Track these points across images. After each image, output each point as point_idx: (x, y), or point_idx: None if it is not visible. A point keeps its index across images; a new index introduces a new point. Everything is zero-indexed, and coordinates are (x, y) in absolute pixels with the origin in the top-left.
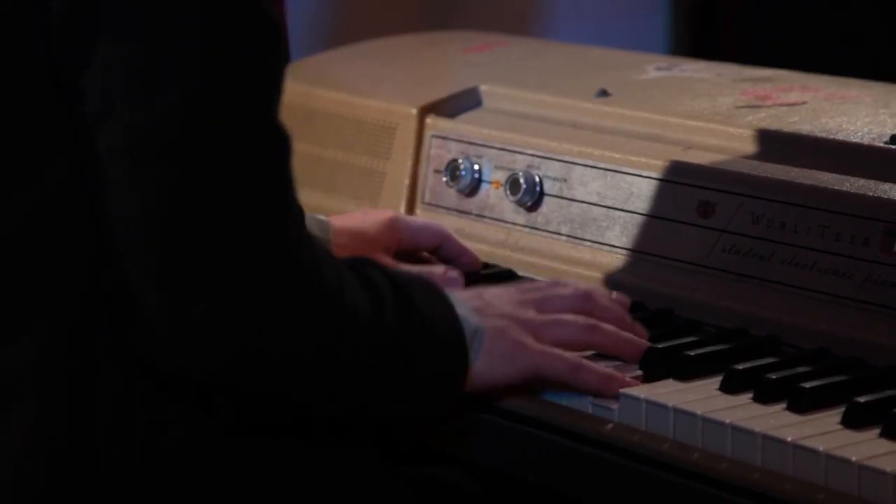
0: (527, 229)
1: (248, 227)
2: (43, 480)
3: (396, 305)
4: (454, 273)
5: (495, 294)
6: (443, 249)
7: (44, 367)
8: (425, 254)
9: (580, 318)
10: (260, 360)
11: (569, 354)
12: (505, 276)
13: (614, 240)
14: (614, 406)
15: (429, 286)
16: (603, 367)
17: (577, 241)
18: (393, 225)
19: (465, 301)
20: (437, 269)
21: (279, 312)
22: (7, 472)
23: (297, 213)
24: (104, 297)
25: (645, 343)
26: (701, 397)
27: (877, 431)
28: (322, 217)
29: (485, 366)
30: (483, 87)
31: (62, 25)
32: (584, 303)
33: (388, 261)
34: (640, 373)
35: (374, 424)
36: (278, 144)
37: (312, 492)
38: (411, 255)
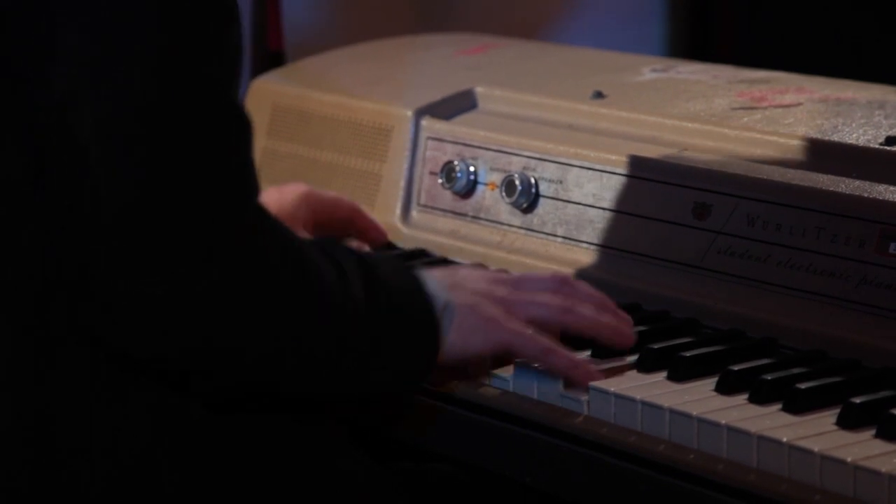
0: (522, 231)
1: (210, 209)
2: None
3: (364, 282)
4: (365, 248)
5: (468, 273)
6: (353, 222)
7: (4, 351)
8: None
9: (555, 299)
10: (222, 344)
11: (541, 336)
12: (417, 254)
13: (610, 241)
14: (610, 407)
15: (394, 262)
16: (574, 355)
17: (573, 242)
18: (307, 199)
19: (436, 278)
20: (352, 244)
21: (241, 293)
22: None
23: (257, 193)
24: (65, 283)
25: (624, 327)
26: (697, 398)
27: (872, 432)
28: None
29: (456, 339)
30: (478, 89)
31: (14, 14)
32: (560, 286)
33: (304, 234)
34: (611, 365)
35: (348, 401)
36: (238, 126)
37: (297, 486)
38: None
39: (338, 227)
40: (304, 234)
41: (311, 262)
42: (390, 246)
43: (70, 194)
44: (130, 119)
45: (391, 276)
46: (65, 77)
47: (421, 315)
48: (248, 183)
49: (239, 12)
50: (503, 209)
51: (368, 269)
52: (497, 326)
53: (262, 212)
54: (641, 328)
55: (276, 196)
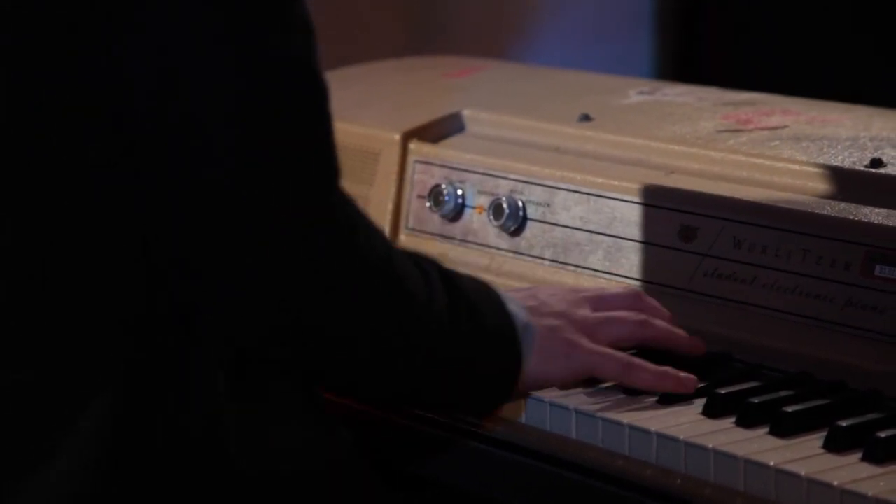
0: (510, 254)
1: (304, 182)
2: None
3: (448, 292)
4: None
5: (550, 293)
6: None
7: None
8: None
9: (632, 314)
10: (309, 323)
11: (621, 354)
12: None
13: (597, 264)
14: (598, 431)
15: (477, 279)
16: (658, 367)
17: (561, 265)
18: None
19: (517, 299)
20: None
21: (330, 267)
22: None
23: (340, 172)
24: (159, 267)
25: (697, 339)
26: (683, 422)
27: (858, 455)
28: None
29: (537, 364)
30: (466, 112)
31: (96, 6)
32: (635, 302)
33: None
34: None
35: (421, 409)
36: (324, 96)
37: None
38: None
39: None
40: None
41: (398, 254)
42: None
43: (163, 177)
44: (226, 100)
45: (473, 290)
46: (158, 60)
47: (503, 331)
48: (336, 161)
49: None
50: (491, 232)
51: (452, 281)
52: (577, 350)
53: (346, 194)
54: (630, 353)
55: None
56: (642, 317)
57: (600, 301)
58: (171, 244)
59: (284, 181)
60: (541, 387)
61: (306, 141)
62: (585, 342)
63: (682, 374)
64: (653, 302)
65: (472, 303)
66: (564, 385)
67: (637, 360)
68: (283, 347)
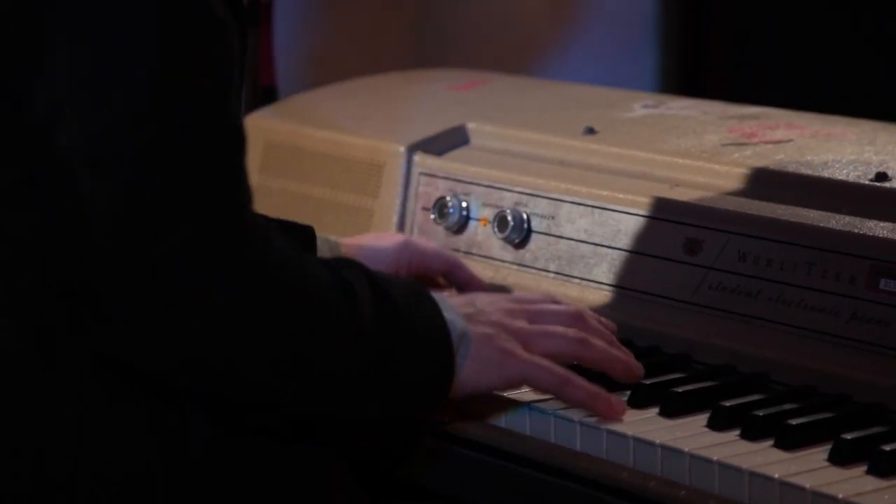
0: (515, 266)
1: (201, 221)
2: None
3: (375, 302)
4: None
5: (487, 301)
6: (452, 276)
7: (5, 361)
8: (440, 279)
9: (570, 331)
10: (219, 356)
11: (558, 367)
12: None
13: (602, 277)
14: (602, 443)
15: (412, 286)
16: (592, 385)
17: (565, 277)
18: (405, 248)
19: (454, 306)
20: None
21: (237, 304)
22: None
23: (250, 204)
24: (65, 294)
25: (634, 362)
26: (688, 434)
27: (863, 468)
28: (332, 238)
29: (471, 372)
30: (470, 125)
31: (5, 29)
32: (575, 320)
33: None
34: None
35: (352, 426)
36: (229, 139)
37: None
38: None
39: (435, 278)
40: None
41: (314, 276)
42: None
43: (62, 209)
44: (119, 133)
45: (406, 299)
46: (53, 91)
47: (435, 337)
48: (240, 195)
49: (232, 24)
50: (495, 244)
51: (380, 289)
52: (513, 359)
53: (258, 223)
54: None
55: (371, 240)
56: (581, 334)
57: (539, 314)
58: (71, 276)
59: (179, 216)
60: (475, 394)
61: (203, 176)
62: (521, 351)
63: (615, 398)
64: (595, 322)
65: (402, 311)
66: (499, 391)
67: (574, 376)
68: (196, 379)
